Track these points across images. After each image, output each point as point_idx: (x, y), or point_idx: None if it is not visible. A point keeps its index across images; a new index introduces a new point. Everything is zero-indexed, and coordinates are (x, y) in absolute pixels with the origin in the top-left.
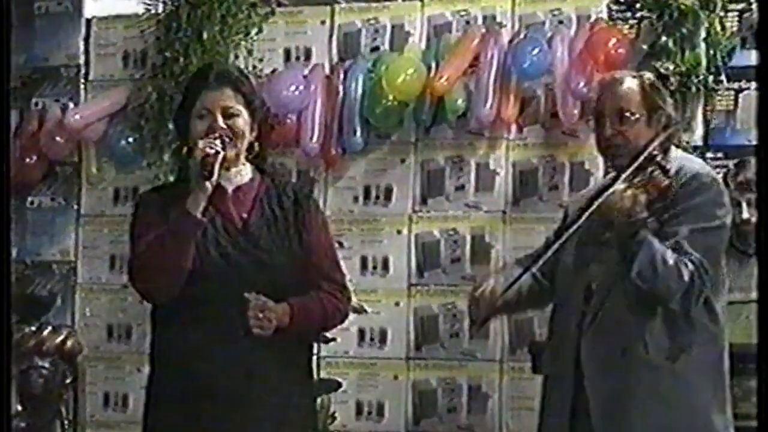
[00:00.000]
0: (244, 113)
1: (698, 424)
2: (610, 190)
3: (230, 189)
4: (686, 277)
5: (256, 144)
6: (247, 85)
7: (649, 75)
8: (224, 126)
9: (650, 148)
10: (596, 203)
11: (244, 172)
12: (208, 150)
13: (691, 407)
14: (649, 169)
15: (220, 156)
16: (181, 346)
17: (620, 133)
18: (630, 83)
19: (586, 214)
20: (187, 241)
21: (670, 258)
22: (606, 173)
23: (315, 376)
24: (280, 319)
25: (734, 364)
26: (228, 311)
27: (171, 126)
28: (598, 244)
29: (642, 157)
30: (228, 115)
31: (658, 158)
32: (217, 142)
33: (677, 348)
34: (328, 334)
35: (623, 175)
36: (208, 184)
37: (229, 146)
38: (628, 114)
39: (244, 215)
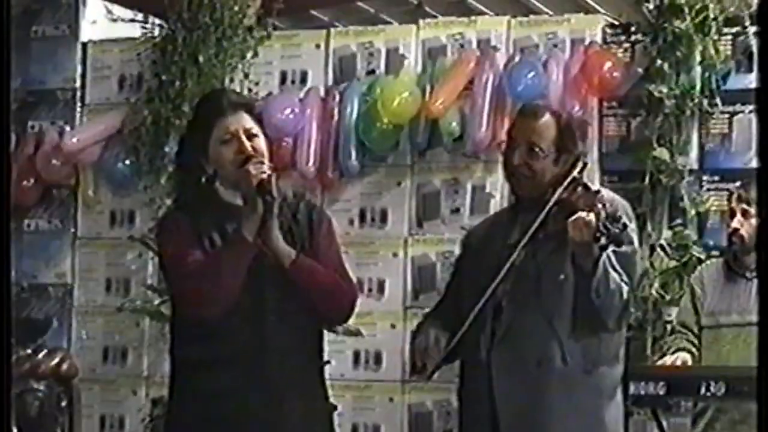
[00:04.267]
0: (261, 134)
1: None
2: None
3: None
4: (625, 296)
5: (271, 164)
6: (257, 107)
7: (567, 114)
8: (250, 148)
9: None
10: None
11: None
12: (261, 176)
13: (602, 420)
14: (577, 194)
15: (273, 178)
16: (206, 366)
17: (527, 165)
18: (547, 119)
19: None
20: (243, 265)
21: (616, 276)
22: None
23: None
24: (280, 248)
25: (730, 387)
26: (255, 333)
27: (167, 149)
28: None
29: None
30: (251, 136)
31: (580, 187)
32: (262, 165)
33: (592, 362)
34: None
35: (554, 198)
36: (260, 208)
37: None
38: (537, 150)
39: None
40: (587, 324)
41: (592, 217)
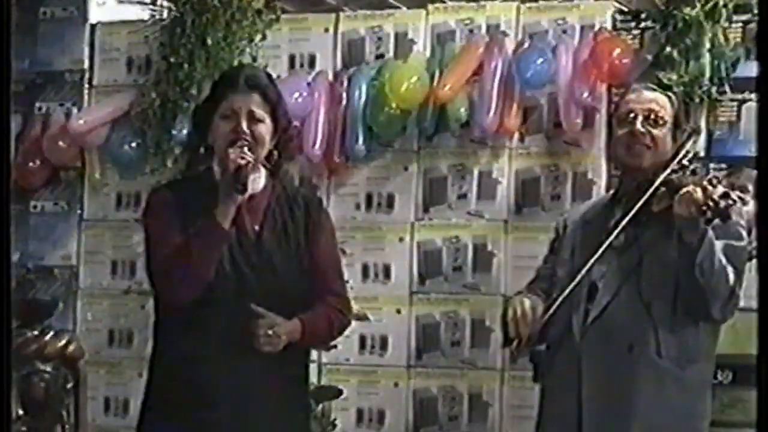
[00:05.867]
0: (268, 120)
1: None
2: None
3: (245, 197)
4: (731, 282)
5: (275, 152)
6: (275, 92)
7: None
8: (247, 131)
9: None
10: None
11: (259, 179)
12: (240, 161)
13: (690, 418)
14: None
15: (251, 167)
16: (185, 355)
17: (650, 134)
18: (660, 94)
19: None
20: (215, 251)
21: (723, 258)
22: (609, 182)
23: (310, 382)
24: (291, 335)
25: (737, 375)
26: (235, 323)
27: (174, 132)
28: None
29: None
30: (252, 119)
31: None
32: (247, 151)
33: (687, 357)
34: None
35: (662, 175)
36: (238, 195)
37: (251, 152)
38: (659, 116)
39: (257, 227)
40: (690, 311)
41: (699, 191)
